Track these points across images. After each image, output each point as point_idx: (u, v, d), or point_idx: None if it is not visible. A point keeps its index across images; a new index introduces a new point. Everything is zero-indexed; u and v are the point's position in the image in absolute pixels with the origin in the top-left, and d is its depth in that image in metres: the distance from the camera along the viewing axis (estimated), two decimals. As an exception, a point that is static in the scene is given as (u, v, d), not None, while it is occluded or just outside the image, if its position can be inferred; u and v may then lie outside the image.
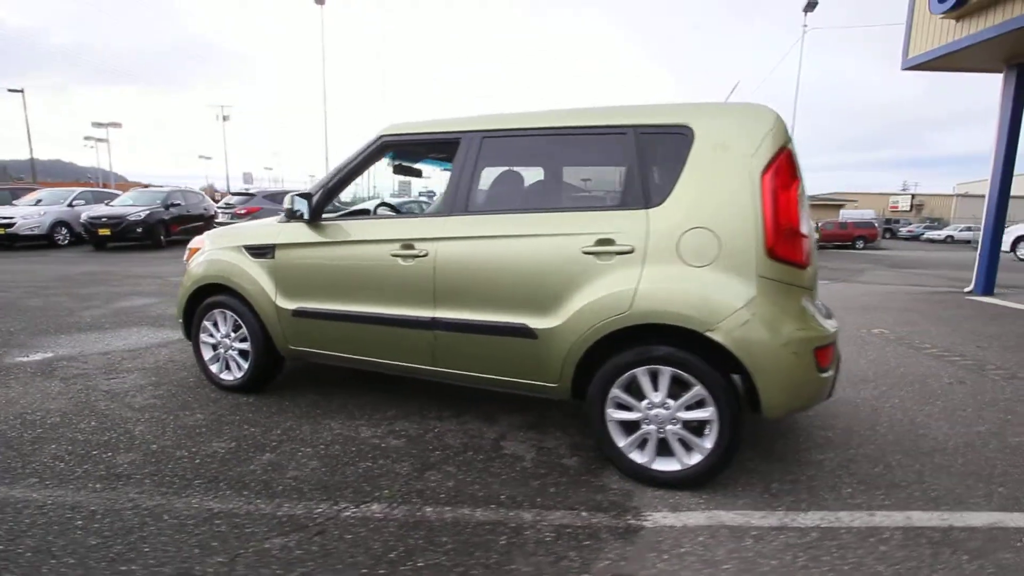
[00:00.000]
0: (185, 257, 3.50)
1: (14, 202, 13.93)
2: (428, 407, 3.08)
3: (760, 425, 2.83)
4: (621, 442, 2.28)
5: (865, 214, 32.30)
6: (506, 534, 1.91)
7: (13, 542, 1.80)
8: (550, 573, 1.71)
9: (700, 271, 2.10)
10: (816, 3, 18.68)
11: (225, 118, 51.28)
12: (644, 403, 2.23)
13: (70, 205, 13.61)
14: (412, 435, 2.72)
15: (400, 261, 2.62)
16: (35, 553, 1.75)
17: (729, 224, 2.08)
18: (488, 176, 2.64)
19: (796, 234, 2.08)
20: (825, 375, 2.14)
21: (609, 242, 2.22)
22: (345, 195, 3.83)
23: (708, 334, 2.04)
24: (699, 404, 2.14)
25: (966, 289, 7.66)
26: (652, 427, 2.22)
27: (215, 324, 3.27)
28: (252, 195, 13.72)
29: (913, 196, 51.81)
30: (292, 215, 2.83)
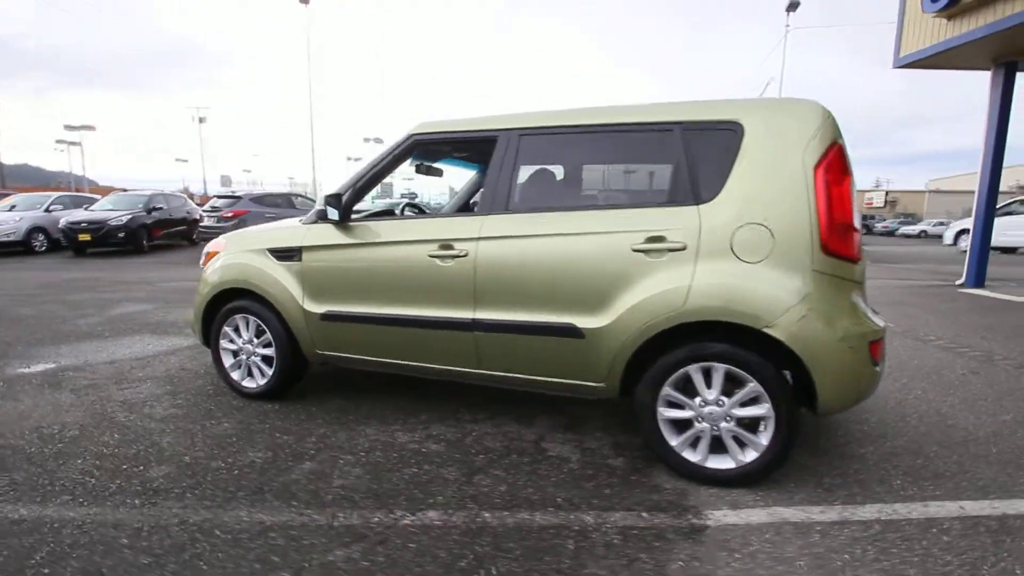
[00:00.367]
0: (202, 262, 3.39)
1: (-13, 208, 13.42)
2: (460, 410, 3.03)
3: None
4: (673, 441, 2.27)
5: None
6: (572, 538, 1.88)
7: (58, 564, 1.71)
8: (626, 575, 1.69)
9: (755, 267, 2.09)
10: (798, 3, 19.08)
11: (201, 120, 50.20)
12: (697, 400, 2.22)
13: (47, 210, 13.16)
14: (451, 439, 2.67)
15: (438, 262, 2.57)
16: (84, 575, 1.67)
17: (783, 219, 2.08)
18: (527, 174, 2.60)
19: (849, 228, 2.09)
20: (878, 369, 2.16)
21: (660, 239, 2.21)
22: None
23: (766, 330, 2.04)
24: (753, 401, 2.14)
25: (957, 282, 7.87)
26: (705, 425, 2.21)
27: (236, 330, 3.17)
28: (239, 198, 13.42)
29: (887, 192, 53.19)
30: (324, 216, 2.75)
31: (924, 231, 35.53)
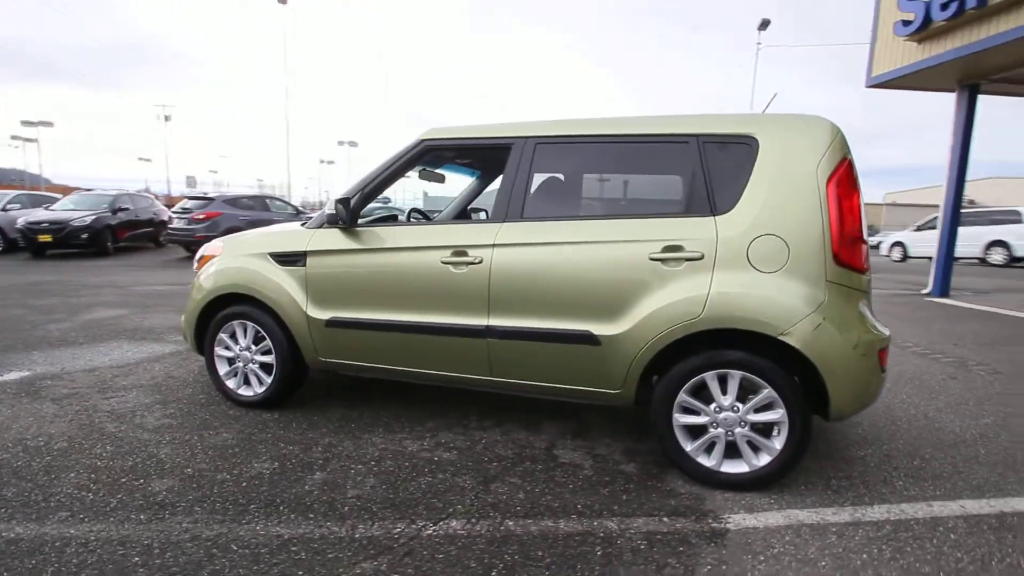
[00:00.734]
0: (195, 266, 3.27)
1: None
2: (466, 417, 3.01)
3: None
4: (688, 446, 2.30)
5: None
6: (599, 544, 1.88)
7: (67, 584, 1.62)
8: (658, 581, 1.70)
9: (771, 277, 2.15)
10: (769, 22, 19.80)
11: (167, 118, 48.65)
12: (712, 406, 2.26)
13: (3, 209, 12.50)
14: (461, 447, 2.64)
15: (452, 268, 2.55)
16: (98, 595, 1.58)
17: (797, 231, 2.15)
18: (542, 182, 2.61)
19: (858, 240, 2.18)
20: (884, 375, 2.24)
21: (677, 248, 2.25)
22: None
23: (782, 338, 2.10)
24: (767, 407, 2.19)
25: (923, 291, 8.26)
26: (720, 430, 2.26)
27: (232, 336, 3.07)
28: (211, 199, 13.00)
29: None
30: (335, 220, 2.69)
31: (880, 241, 37.00)
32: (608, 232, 2.36)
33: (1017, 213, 13.98)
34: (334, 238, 2.80)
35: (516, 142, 2.60)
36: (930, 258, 13.68)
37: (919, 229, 16.19)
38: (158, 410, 3.02)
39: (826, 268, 2.13)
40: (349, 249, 2.75)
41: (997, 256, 14.24)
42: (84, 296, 6.70)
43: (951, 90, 7.41)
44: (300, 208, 15.64)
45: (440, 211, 4.12)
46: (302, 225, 3.10)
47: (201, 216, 12.33)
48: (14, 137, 41.62)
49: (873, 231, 44.32)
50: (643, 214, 2.40)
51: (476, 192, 4.07)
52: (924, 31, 6.49)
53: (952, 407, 3.33)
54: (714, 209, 2.26)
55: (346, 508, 2.07)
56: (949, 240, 7.62)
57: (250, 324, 2.99)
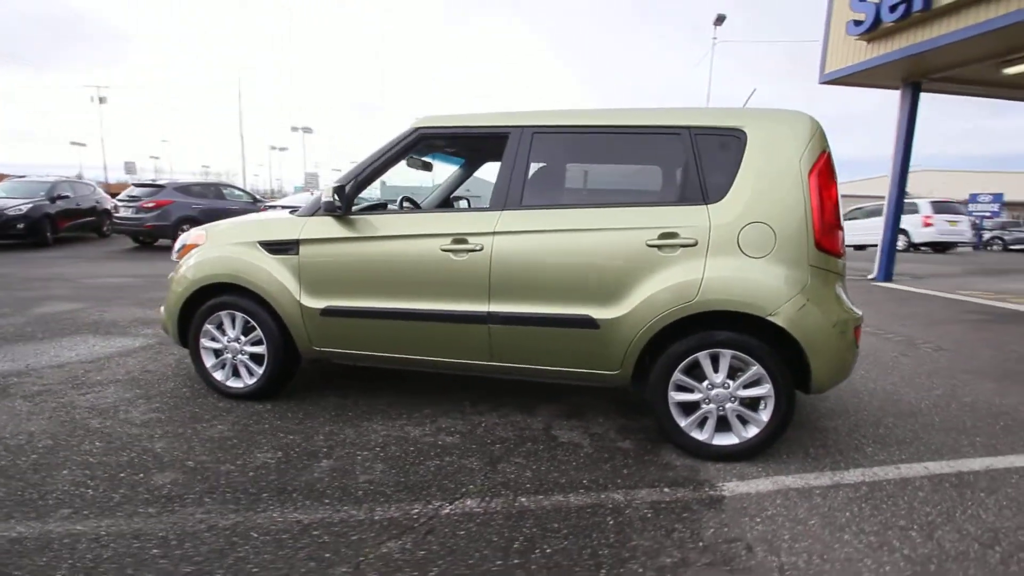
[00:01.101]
0: (175, 256, 3.16)
1: None
2: (461, 403, 3.06)
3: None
4: (683, 422, 2.44)
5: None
6: (609, 514, 1.99)
7: (85, 579, 1.59)
8: (669, 544, 1.82)
9: (759, 262, 2.30)
10: (724, 17, 20.41)
11: (101, 100, 45.61)
12: (704, 384, 2.40)
13: (-76, 197, 11.46)
14: (462, 431, 2.70)
15: (452, 256, 2.58)
16: (122, 587, 1.56)
17: (783, 219, 2.30)
18: (540, 171, 2.67)
19: (836, 227, 2.35)
20: (857, 351, 2.44)
21: (673, 235, 2.36)
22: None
23: (770, 318, 2.25)
24: (755, 382, 2.36)
25: (869, 276, 8.85)
26: (712, 406, 2.41)
27: (219, 327, 3.00)
28: (161, 187, 12.33)
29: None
30: (331, 208, 2.67)
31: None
32: (606, 220, 2.46)
33: (915, 205, 15.10)
34: (329, 226, 2.77)
35: (513, 131, 2.65)
36: (860, 246, 14.83)
37: (846, 219, 17.26)
38: (142, 404, 2.93)
39: (808, 253, 2.30)
40: (345, 237, 2.74)
41: (899, 243, 15.40)
42: (31, 290, 6.29)
43: (896, 87, 7.91)
44: (258, 196, 15.05)
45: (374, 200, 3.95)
46: (291, 213, 3.05)
47: (151, 204, 11.71)
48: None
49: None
50: (639, 202, 2.51)
51: (460, 180, 4.09)
52: (874, 31, 6.90)
53: (906, 381, 3.63)
54: (706, 198, 2.39)
55: (360, 492, 2.10)
56: (893, 228, 8.20)
57: (239, 314, 2.93)
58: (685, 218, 2.38)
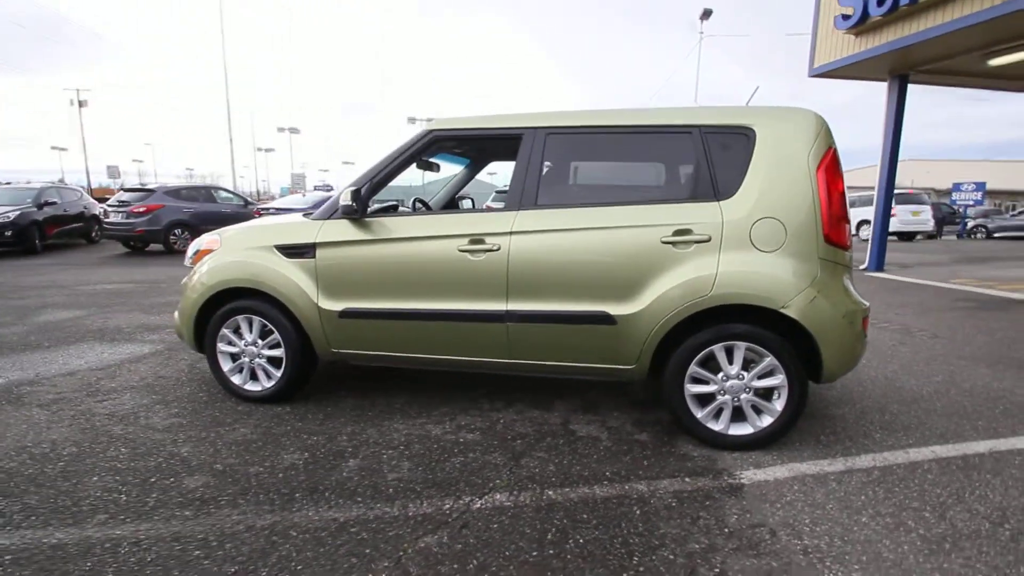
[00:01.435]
0: (189, 261, 3.17)
1: None
2: (477, 401, 3.11)
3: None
4: (699, 413, 2.51)
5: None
6: (635, 504, 2.06)
7: (132, 581, 1.62)
8: (696, 531, 1.89)
9: (771, 256, 2.37)
10: (711, 11, 20.55)
11: (82, 103, 44.79)
12: (720, 375, 2.47)
13: (-93, 206, 11.24)
14: (482, 428, 2.75)
15: (470, 256, 2.63)
16: (170, 588, 1.60)
17: (793, 214, 2.38)
18: (555, 171, 2.72)
19: (843, 220, 2.43)
20: (866, 340, 2.53)
21: (687, 232, 2.43)
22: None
23: (783, 310, 2.33)
24: (769, 373, 2.43)
25: (861, 267, 9.01)
26: (727, 397, 2.48)
27: (236, 331, 3.02)
28: (151, 191, 12.20)
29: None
30: (350, 211, 2.70)
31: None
32: (621, 218, 2.51)
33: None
34: (345, 229, 2.80)
35: (527, 132, 2.69)
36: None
37: None
38: (161, 410, 2.94)
39: (818, 246, 2.38)
40: (362, 240, 2.77)
41: (864, 233, 15.57)
42: (28, 298, 6.23)
43: (884, 80, 8.06)
44: (249, 199, 14.94)
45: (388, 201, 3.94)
46: (305, 216, 3.07)
47: (141, 209, 11.59)
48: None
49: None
50: (652, 200, 2.57)
51: (465, 180, 4.13)
52: (862, 25, 7.02)
53: (906, 368, 3.74)
54: (718, 195, 2.45)
55: (391, 490, 2.15)
56: (883, 218, 8.36)
57: (256, 318, 2.96)
58: (698, 215, 2.44)
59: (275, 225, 3.05)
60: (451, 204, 4.14)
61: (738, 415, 2.50)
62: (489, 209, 3.00)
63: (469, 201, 4.56)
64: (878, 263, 8.62)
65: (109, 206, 12.23)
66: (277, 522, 1.92)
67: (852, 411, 2.98)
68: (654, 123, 2.58)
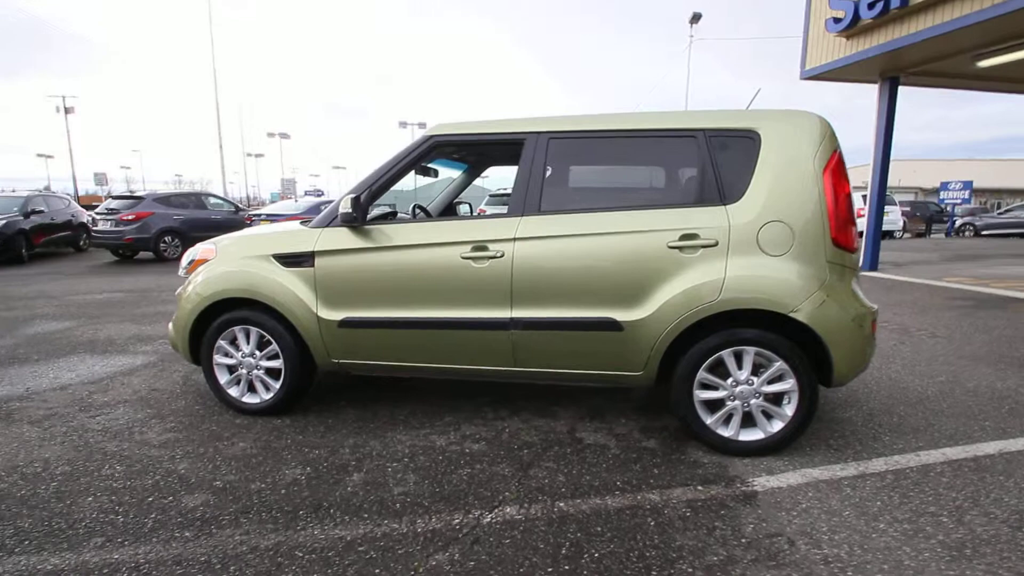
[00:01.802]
0: (183, 271, 3.10)
1: None
2: (480, 409, 3.06)
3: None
4: (708, 419, 2.48)
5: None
6: (649, 515, 2.01)
7: (132, 609, 1.55)
8: (713, 542, 1.85)
9: (779, 259, 2.35)
10: (700, 15, 20.70)
11: (68, 110, 44.29)
12: (729, 381, 2.44)
13: None
14: (487, 438, 2.70)
15: (472, 263, 2.58)
16: (172, 616, 1.53)
17: (800, 217, 2.35)
18: (558, 176, 2.68)
19: (851, 223, 2.41)
20: (875, 343, 2.51)
21: (694, 236, 2.40)
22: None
23: (792, 315, 2.30)
24: (779, 378, 2.40)
25: (855, 266, 9.06)
26: (737, 402, 2.45)
27: (233, 342, 2.95)
28: (140, 198, 12.04)
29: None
30: (349, 219, 2.64)
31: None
32: (626, 223, 2.48)
33: None
34: (344, 237, 2.75)
35: (529, 137, 2.66)
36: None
37: None
38: (156, 425, 2.86)
39: (825, 249, 2.36)
40: (362, 248, 2.72)
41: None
42: (16, 309, 6.10)
43: (875, 82, 8.12)
44: (240, 206, 14.78)
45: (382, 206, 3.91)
46: (302, 224, 3.01)
47: (130, 217, 11.44)
48: None
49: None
50: (657, 205, 2.54)
51: (463, 186, 4.09)
52: (853, 28, 7.07)
53: (908, 368, 3.74)
54: (724, 198, 2.43)
55: (397, 505, 2.09)
56: (877, 218, 8.41)
57: (253, 329, 2.89)
58: (705, 219, 2.41)
59: (272, 234, 2.99)
60: (449, 210, 4.09)
61: (748, 421, 2.47)
62: (482, 213, 2.96)
63: (467, 206, 4.52)
64: (872, 262, 8.67)
65: (98, 214, 12.06)
66: (282, 542, 1.86)
67: (859, 414, 2.96)
68: (658, 127, 2.55)
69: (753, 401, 2.43)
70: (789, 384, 2.39)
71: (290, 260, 2.81)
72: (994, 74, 7.91)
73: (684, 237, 2.41)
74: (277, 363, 2.90)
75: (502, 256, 2.55)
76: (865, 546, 1.82)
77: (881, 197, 8.26)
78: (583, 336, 2.53)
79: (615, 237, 2.48)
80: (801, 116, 2.47)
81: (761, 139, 2.43)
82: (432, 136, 2.78)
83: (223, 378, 2.99)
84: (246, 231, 3.21)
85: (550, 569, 1.72)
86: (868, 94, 8.17)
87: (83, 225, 13.29)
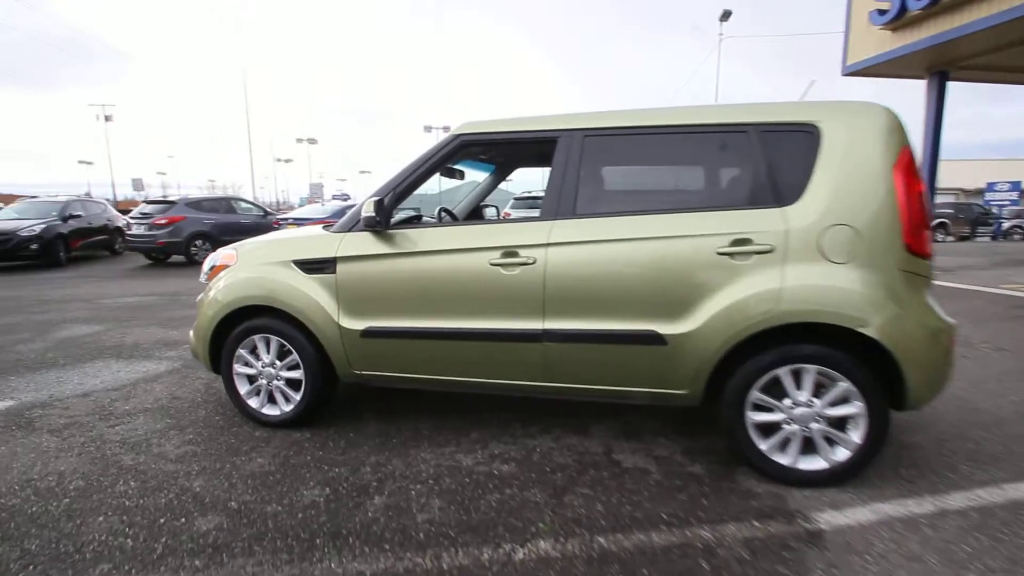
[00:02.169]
0: (204, 277, 3.01)
1: None
2: (510, 425, 2.88)
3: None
4: (762, 445, 2.25)
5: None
6: (702, 556, 1.80)
7: (133, 651, 1.42)
8: (777, 592, 1.63)
9: (845, 267, 2.11)
10: (730, 13, 20.17)
11: (107, 118, 46.02)
12: (786, 402, 2.21)
13: (-62, 221, 11.45)
14: (517, 458, 2.52)
15: (502, 270, 2.41)
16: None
17: (868, 220, 2.11)
18: (594, 177, 2.49)
19: (924, 226, 2.15)
20: (954, 361, 2.24)
21: (746, 242, 2.17)
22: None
23: (861, 330, 2.06)
24: (843, 400, 2.16)
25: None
26: (795, 427, 2.21)
27: (253, 351, 2.84)
28: (172, 203, 12.29)
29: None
30: (373, 223, 2.50)
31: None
32: (670, 227, 2.27)
33: None
34: (367, 242, 2.61)
35: (563, 135, 2.47)
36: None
37: None
38: (175, 436, 2.77)
39: (897, 256, 2.11)
40: (385, 253, 2.57)
41: None
42: (49, 312, 6.18)
43: (922, 77, 7.69)
44: (268, 210, 14.97)
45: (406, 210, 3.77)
46: (325, 228, 2.89)
47: (163, 221, 11.65)
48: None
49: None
50: (704, 207, 2.32)
51: (490, 188, 3.92)
52: (900, 19, 6.68)
53: (976, 386, 3.41)
54: (780, 199, 2.19)
55: (421, 535, 1.92)
56: (925, 222, 7.95)
57: (273, 338, 2.77)
58: (758, 222, 2.18)
59: (293, 239, 2.87)
60: (475, 213, 3.93)
61: (807, 447, 2.23)
62: (507, 216, 2.78)
63: (493, 210, 4.36)
64: (921, 268, 8.19)
65: (132, 218, 12.35)
66: (296, 575, 1.71)
67: (928, 438, 2.68)
68: (704, 122, 2.33)
69: (814, 425, 2.19)
70: (856, 407, 2.13)
71: (311, 266, 2.68)
72: (1055, 67, 7.40)
73: (735, 242, 2.18)
74: (297, 374, 2.77)
75: (534, 263, 2.37)
76: (959, 603, 1.57)
77: (931, 196, 7.79)
78: (622, 350, 2.33)
79: (657, 242, 2.27)
80: (867, 107, 2.23)
81: (822, 133, 2.20)
82: (460, 135, 2.61)
83: (243, 388, 2.88)
84: (267, 236, 3.11)
85: (592, 619, 1.53)
86: (904, 88, 7.73)
87: (118, 229, 13.64)
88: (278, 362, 2.81)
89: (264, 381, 2.84)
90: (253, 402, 2.88)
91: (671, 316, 2.25)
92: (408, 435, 2.78)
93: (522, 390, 2.54)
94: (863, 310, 2.06)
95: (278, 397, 2.84)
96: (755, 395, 2.22)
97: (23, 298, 7.24)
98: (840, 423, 2.20)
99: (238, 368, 2.86)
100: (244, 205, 13.85)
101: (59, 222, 11.69)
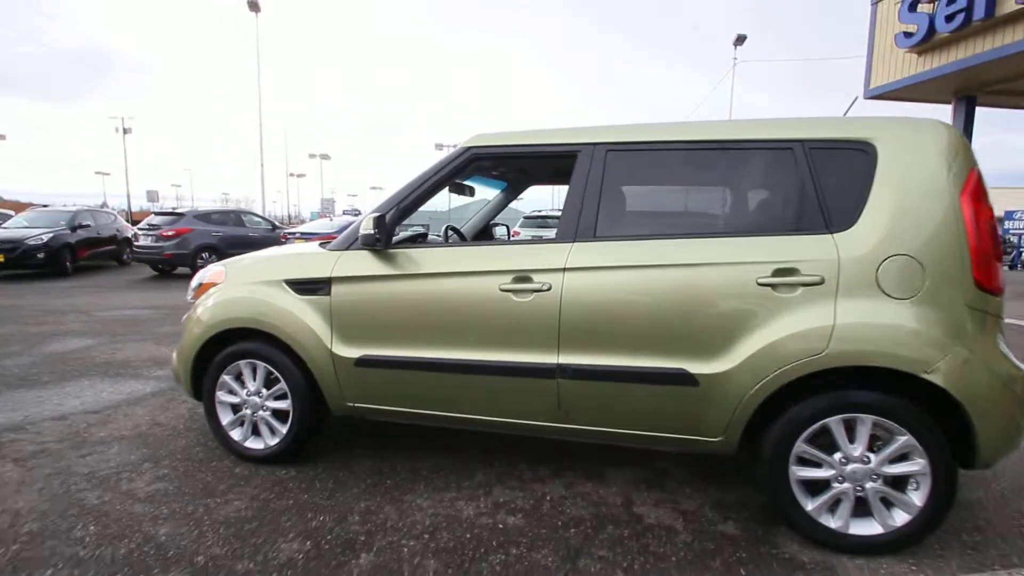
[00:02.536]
0: (191, 295, 2.79)
1: None
2: (516, 466, 2.60)
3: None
4: (808, 504, 1.95)
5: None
6: (744, 646, 1.51)
7: None
8: None
9: (906, 304, 1.84)
10: (745, 37, 20.18)
11: (126, 131, 46.82)
12: (837, 457, 1.92)
13: (-52, 228, 11.46)
14: (525, 508, 2.24)
15: (513, 296, 2.16)
16: None
17: (933, 251, 1.85)
18: (618, 196, 2.26)
19: (995, 259, 1.89)
20: (1030, 414, 1.95)
21: (791, 272, 1.92)
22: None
23: (925, 376, 1.78)
24: (904, 456, 1.87)
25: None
26: (847, 485, 1.92)
27: (238, 378, 2.60)
28: (180, 215, 12.23)
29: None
30: (371, 241, 2.27)
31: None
32: (705, 253, 2.02)
33: None
34: (365, 262, 2.38)
35: (583, 149, 2.25)
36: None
37: None
38: (148, 471, 2.51)
39: (965, 292, 1.84)
40: (385, 275, 2.34)
41: None
42: (44, 324, 6.00)
43: (948, 102, 7.46)
44: (277, 224, 14.91)
45: (413, 227, 3.67)
46: (322, 246, 2.67)
47: (170, 233, 11.58)
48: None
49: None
50: (742, 231, 2.07)
51: (501, 206, 3.71)
52: (927, 43, 6.48)
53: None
54: (830, 225, 1.94)
55: (413, 607, 1.64)
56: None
57: (260, 364, 2.53)
58: (805, 250, 1.93)
59: (287, 256, 2.65)
60: (484, 233, 3.71)
61: (861, 508, 1.94)
62: (516, 236, 2.54)
63: (503, 229, 4.14)
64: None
65: (140, 229, 12.30)
66: (261, 659, 1.44)
67: (990, 495, 2.37)
68: (744, 137, 2.10)
69: (869, 484, 1.90)
70: (918, 465, 1.85)
71: (304, 287, 2.45)
72: (1088, 93, 7.15)
73: (779, 272, 1.93)
74: (285, 404, 2.52)
75: (549, 289, 2.13)
76: None
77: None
78: (647, 390, 2.06)
79: (689, 270, 2.02)
80: (928, 124, 1.98)
81: (878, 152, 1.95)
82: (471, 148, 2.40)
83: (225, 418, 2.63)
84: (260, 253, 2.90)
85: None
86: (926, 113, 7.49)
87: (127, 239, 13.60)
88: (264, 391, 2.56)
89: (248, 411, 2.59)
90: (236, 434, 2.63)
91: (704, 354, 1.99)
92: (404, 475, 2.51)
93: (533, 430, 2.27)
94: (929, 354, 1.79)
95: (263, 429, 2.59)
96: (801, 447, 1.94)
97: (22, 307, 7.09)
98: (899, 482, 1.91)
99: (221, 396, 2.62)
100: (253, 218, 13.80)
101: (67, 231, 11.65)
